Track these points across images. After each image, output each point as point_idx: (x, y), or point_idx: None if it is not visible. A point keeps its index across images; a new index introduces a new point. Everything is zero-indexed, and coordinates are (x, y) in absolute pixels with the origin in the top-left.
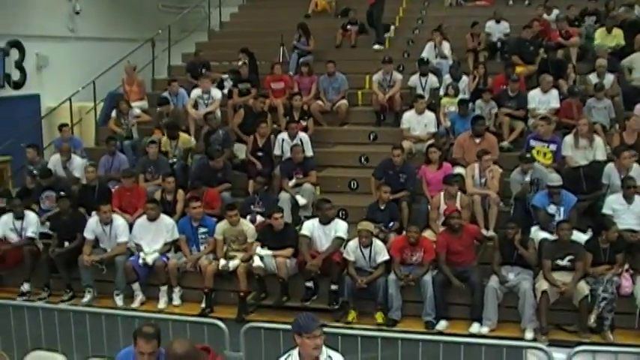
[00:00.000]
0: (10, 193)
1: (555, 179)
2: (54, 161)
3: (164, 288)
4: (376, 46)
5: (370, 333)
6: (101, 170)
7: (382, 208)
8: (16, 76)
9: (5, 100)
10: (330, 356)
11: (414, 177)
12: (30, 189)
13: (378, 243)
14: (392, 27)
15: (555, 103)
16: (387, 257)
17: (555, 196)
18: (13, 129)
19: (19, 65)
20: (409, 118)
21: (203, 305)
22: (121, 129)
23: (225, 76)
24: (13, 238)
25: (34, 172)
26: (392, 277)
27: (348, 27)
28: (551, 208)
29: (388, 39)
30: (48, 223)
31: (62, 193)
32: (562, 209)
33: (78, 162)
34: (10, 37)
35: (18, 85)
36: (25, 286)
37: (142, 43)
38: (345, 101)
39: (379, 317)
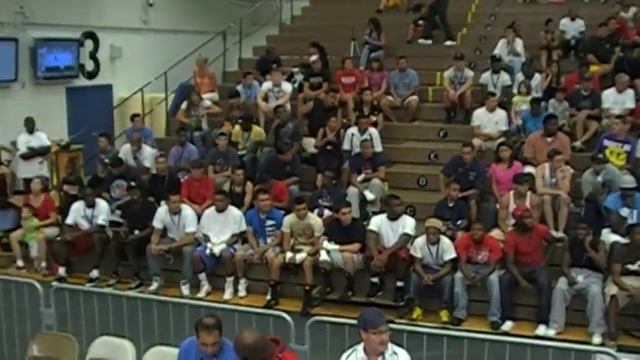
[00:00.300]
0: (82, 181)
1: (629, 181)
2: (125, 151)
3: (230, 279)
4: (448, 42)
5: (436, 331)
6: (171, 160)
7: (451, 205)
8: (90, 66)
9: (79, 89)
10: (395, 352)
11: (483, 175)
12: (101, 177)
13: (445, 240)
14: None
15: (630, 104)
16: (454, 255)
17: (629, 199)
18: (85, 118)
19: (93, 56)
20: (480, 115)
21: (268, 297)
22: (190, 120)
23: (296, 69)
24: (84, 225)
25: (106, 160)
26: (458, 275)
27: (420, 22)
28: (624, 211)
29: (460, 36)
30: (118, 212)
31: (132, 183)
32: (635, 212)
33: (148, 152)
34: (85, 28)
35: (92, 76)
36: (94, 273)
37: (213, 36)
38: (415, 97)
39: (444, 315)
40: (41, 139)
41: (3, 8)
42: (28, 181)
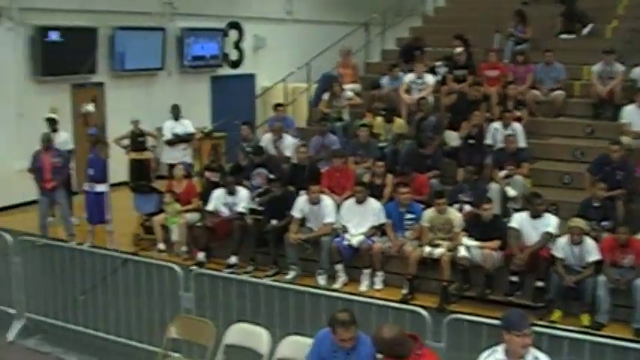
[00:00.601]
0: (223, 168)
1: None
2: (266, 139)
3: (367, 271)
4: (585, 30)
5: (578, 336)
6: (311, 150)
7: (596, 205)
8: (234, 55)
9: (223, 78)
10: (537, 358)
11: (632, 175)
12: (242, 165)
13: (589, 241)
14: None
15: None
16: (597, 257)
17: None
18: (229, 106)
19: (238, 46)
20: (630, 112)
21: (405, 291)
22: (331, 111)
23: (439, 63)
24: (224, 212)
25: (247, 149)
26: (602, 277)
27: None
28: None
29: (610, 29)
30: (258, 199)
31: (272, 175)
32: None
33: (289, 141)
34: (230, 18)
35: (235, 65)
36: (233, 259)
37: (356, 27)
38: (562, 92)
39: (585, 319)
40: (186, 126)
41: None
42: (171, 167)
